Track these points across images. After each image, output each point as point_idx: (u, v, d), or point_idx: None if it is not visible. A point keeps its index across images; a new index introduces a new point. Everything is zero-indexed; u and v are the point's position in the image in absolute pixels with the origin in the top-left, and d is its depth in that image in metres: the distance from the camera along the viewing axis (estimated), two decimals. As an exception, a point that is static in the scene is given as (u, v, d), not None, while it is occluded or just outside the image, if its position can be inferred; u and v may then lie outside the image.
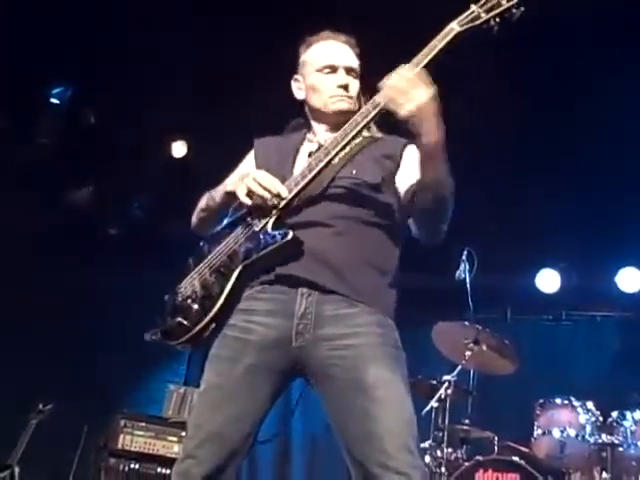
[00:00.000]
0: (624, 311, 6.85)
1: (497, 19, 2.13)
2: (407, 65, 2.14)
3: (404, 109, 2.06)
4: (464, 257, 5.15)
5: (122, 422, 5.05)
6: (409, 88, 2.07)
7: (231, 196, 2.33)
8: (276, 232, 2.24)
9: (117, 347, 6.13)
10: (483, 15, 2.13)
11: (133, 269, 6.59)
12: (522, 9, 2.12)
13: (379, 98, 2.17)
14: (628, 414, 4.62)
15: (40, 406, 4.94)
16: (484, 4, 2.14)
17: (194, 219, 2.57)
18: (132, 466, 4.96)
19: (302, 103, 2.56)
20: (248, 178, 2.26)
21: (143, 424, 5.11)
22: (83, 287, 6.33)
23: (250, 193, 2.24)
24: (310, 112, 2.54)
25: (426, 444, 4.73)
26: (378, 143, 2.45)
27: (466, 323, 4.92)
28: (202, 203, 2.51)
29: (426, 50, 2.16)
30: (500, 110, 5.31)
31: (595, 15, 4.67)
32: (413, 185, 2.28)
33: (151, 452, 5.03)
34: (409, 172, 2.34)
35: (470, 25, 2.14)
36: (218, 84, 5.60)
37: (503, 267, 6.44)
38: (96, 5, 5.15)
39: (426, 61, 2.14)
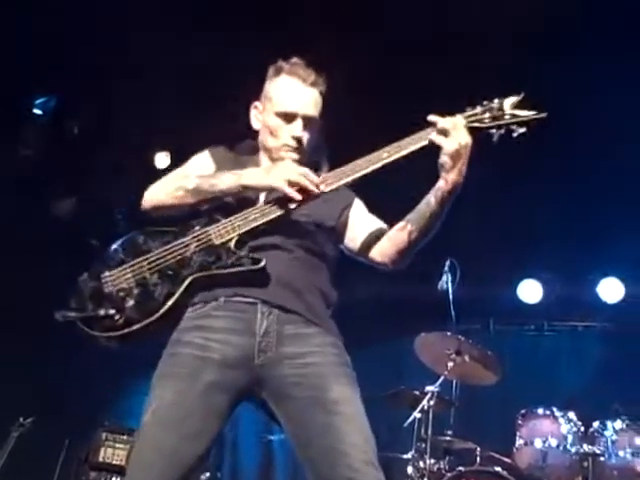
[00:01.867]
0: (606, 321, 6.89)
1: (500, 130, 2.20)
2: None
3: (454, 144, 2.14)
4: (446, 268, 5.17)
5: (103, 435, 5.04)
6: (461, 129, 2.16)
7: (247, 189, 2.28)
8: (242, 254, 2.23)
9: (98, 360, 6.09)
10: (487, 121, 2.20)
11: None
12: (524, 130, 2.19)
13: (428, 131, 2.21)
14: (609, 424, 4.65)
15: (21, 419, 4.92)
16: (488, 110, 2.20)
17: (160, 196, 2.39)
18: (113, 479, 4.95)
19: (256, 132, 2.54)
20: (290, 171, 2.24)
21: (124, 437, 5.09)
22: (65, 299, 6.29)
23: (292, 184, 2.22)
24: (261, 145, 2.51)
25: (409, 455, 4.73)
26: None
27: (448, 334, 4.93)
28: (189, 183, 2.33)
29: None
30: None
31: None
32: (375, 231, 2.42)
33: (133, 465, 5.00)
34: (363, 222, 2.48)
35: (474, 125, 2.20)
36: (201, 96, 5.60)
37: (485, 278, 6.47)
38: (80, 18, 5.15)
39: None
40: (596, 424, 4.71)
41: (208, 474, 5.15)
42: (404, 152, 2.23)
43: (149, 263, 2.30)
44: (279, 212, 2.26)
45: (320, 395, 2.14)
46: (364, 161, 2.26)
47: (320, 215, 2.39)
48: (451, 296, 5.11)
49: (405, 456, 4.72)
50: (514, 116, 2.18)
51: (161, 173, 6.73)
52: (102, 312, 2.26)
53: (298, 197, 2.21)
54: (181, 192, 2.33)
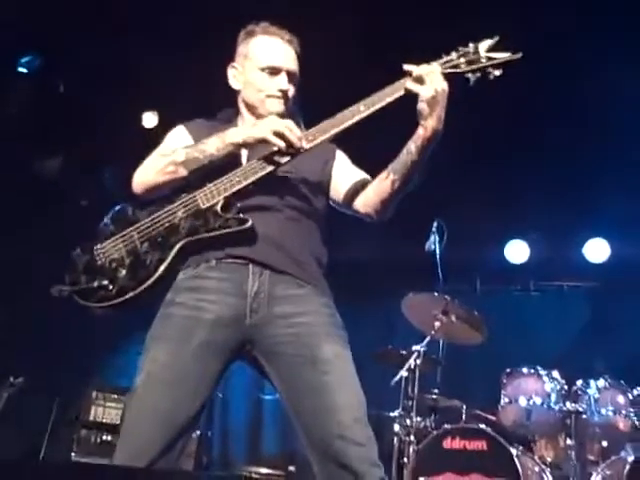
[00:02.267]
0: (591, 281, 6.95)
1: (476, 73, 2.21)
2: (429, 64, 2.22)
3: (430, 91, 2.16)
4: (434, 229, 5.19)
5: (94, 394, 5.08)
6: (436, 75, 2.18)
7: (236, 146, 2.30)
8: (229, 216, 2.25)
9: (88, 320, 6.10)
10: (463, 66, 2.21)
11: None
12: (501, 72, 2.20)
13: (404, 81, 2.23)
14: (592, 382, 4.73)
15: (11, 379, 4.94)
16: (463, 55, 2.22)
17: (150, 176, 2.36)
18: (104, 437, 5.00)
19: (236, 92, 2.55)
20: (273, 123, 2.26)
21: (115, 396, 5.14)
22: (53, 259, 6.28)
23: (279, 135, 2.24)
24: (244, 104, 2.53)
25: (396, 413, 4.80)
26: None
27: (435, 294, 4.97)
28: (177, 156, 2.32)
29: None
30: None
31: None
32: (359, 181, 2.44)
33: (123, 423, 5.06)
34: (346, 173, 2.49)
35: (451, 71, 2.22)
36: (189, 54, 5.55)
37: (472, 238, 6.50)
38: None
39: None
40: (579, 383, 4.79)
41: (198, 432, 5.20)
42: (381, 103, 2.26)
43: (139, 232, 2.33)
44: (262, 172, 2.28)
45: (311, 354, 2.17)
46: (342, 115, 2.28)
47: (304, 171, 2.42)
48: (438, 257, 5.14)
49: (392, 414, 4.79)
50: (489, 59, 2.20)
51: (149, 132, 6.72)
52: (96, 284, 2.30)
53: (282, 144, 2.22)
54: (172, 167, 2.32)
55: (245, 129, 2.33)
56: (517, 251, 7.13)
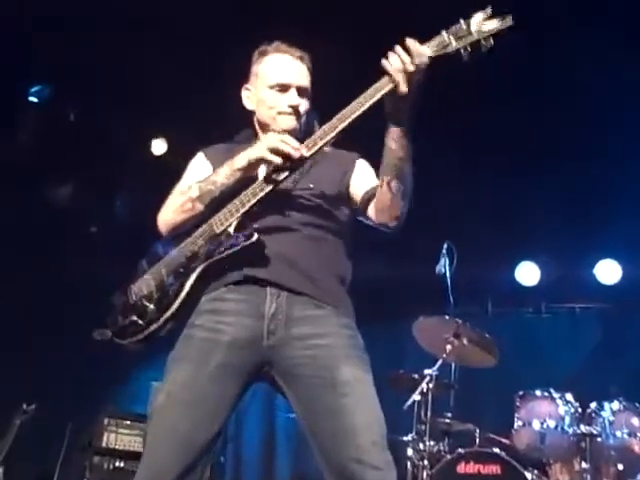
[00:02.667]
0: (603, 303, 6.91)
1: (467, 49, 2.14)
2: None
3: (406, 82, 2.12)
4: (444, 251, 5.18)
5: (106, 420, 5.07)
6: (409, 65, 2.13)
7: (243, 170, 2.30)
8: (239, 234, 2.26)
9: (101, 346, 6.11)
10: (453, 44, 2.14)
11: (114, 267, 6.56)
12: (491, 43, 2.12)
13: (384, 80, 2.18)
14: (606, 405, 4.69)
15: (24, 406, 4.94)
16: (453, 33, 2.15)
17: (170, 216, 2.42)
18: (117, 464, 4.99)
19: (251, 113, 2.57)
20: (268, 140, 2.26)
21: (128, 422, 5.13)
22: (65, 285, 6.32)
23: (275, 151, 2.22)
24: (258, 124, 2.55)
25: (409, 437, 4.76)
26: (329, 157, 2.49)
27: (447, 317, 4.95)
28: (192, 192, 2.36)
29: None
30: (482, 103, 5.36)
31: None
32: (369, 190, 2.39)
33: (136, 450, 5.04)
34: (363, 182, 2.45)
35: (442, 52, 2.15)
36: (197, 81, 5.60)
37: (483, 261, 6.48)
38: (77, 3, 5.14)
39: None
40: (593, 405, 4.76)
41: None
42: (377, 96, 2.21)
43: (166, 266, 2.37)
44: (270, 187, 2.26)
45: (330, 376, 2.16)
46: (340, 116, 2.24)
47: (323, 185, 2.40)
48: (449, 279, 5.13)
49: (405, 438, 4.76)
50: (480, 32, 2.12)
51: (158, 159, 6.75)
52: (127, 321, 2.36)
53: (278, 160, 2.21)
54: (189, 204, 2.37)
55: (246, 152, 2.32)
56: (528, 273, 7.10)
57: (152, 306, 2.33)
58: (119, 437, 5.05)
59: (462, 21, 2.14)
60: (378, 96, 2.19)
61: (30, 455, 5.24)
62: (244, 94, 2.58)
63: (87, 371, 6.09)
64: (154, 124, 6.43)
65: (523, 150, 5.83)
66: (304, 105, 2.48)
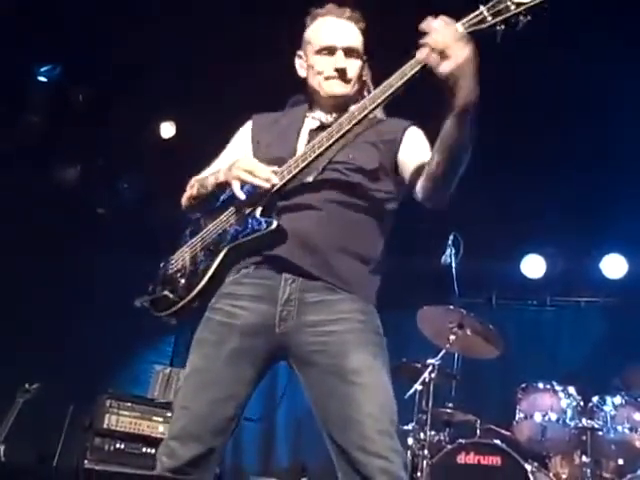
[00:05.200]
0: (608, 297, 6.90)
1: (503, 25, 2.02)
2: (442, 20, 2.03)
3: (449, 65, 1.97)
4: (450, 242, 5.18)
5: (108, 402, 5.08)
6: (452, 43, 1.98)
7: (222, 186, 2.32)
8: (262, 219, 2.23)
9: (103, 328, 6.14)
10: (489, 19, 2.01)
11: (120, 250, 6.58)
12: (529, 18, 2.01)
13: (419, 55, 2.05)
14: (608, 399, 4.69)
15: (26, 385, 4.96)
16: (492, 7, 2.02)
17: (185, 203, 2.52)
18: (118, 446, 5.00)
19: (304, 80, 2.52)
20: (237, 169, 2.24)
21: (129, 404, 5.14)
22: (68, 268, 6.33)
23: (243, 183, 2.23)
24: (310, 91, 2.50)
25: (409, 427, 4.77)
26: (378, 126, 2.41)
27: (451, 307, 4.95)
28: (192, 191, 2.46)
29: None
30: (484, 97, 5.32)
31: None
32: (419, 165, 2.27)
33: (137, 432, 5.07)
34: (414, 154, 2.34)
35: (475, 28, 2.02)
36: (206, 64, 5.58)
37: (489, 252, 6.48)
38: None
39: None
40: (595, 399, 4.75)
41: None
42: (391, 91, 2.14)
43: (202, 240, 2.38)
44: (292, 173, 2.24)
45: (340, 363, 2.15)
46: (369, 99, 2.19)
47: (361, 158, 2.32)
48: (454, 270, 5.13)
49: (406, 427, 4.76)
50: (518, 5, 1.98)
51: (166, 142, 6.73)
52: (161, 294, 2.38)
53: (242, 196, 2.23)
54: (190, 200, 2.48)
55: (223, 172, 2.32)
56: (533, 265, 7.09)
57: (183, 281, 2.35)
58: (120, 419, 5.06)
59: None
60: (409, 75, 2.10)
61: (31, 435, 5.26)
62: (297, 62, 2.54)
63: (89, 353, 6.11)
64: (163, 107, 6.41)
65: (530, 145, 5.80)
66: (353, 67, 2.41)
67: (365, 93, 2.43)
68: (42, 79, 6.18)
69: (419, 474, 4.52)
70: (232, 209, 2.33)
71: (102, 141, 6.42)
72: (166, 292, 2.36)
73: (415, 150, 2.35)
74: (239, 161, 2.29)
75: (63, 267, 6.30)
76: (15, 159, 6.11)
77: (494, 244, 6.48)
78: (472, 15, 2.04)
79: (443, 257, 5.17)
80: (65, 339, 6.12)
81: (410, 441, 4.70)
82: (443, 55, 1.97)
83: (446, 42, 1.97)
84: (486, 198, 6.17)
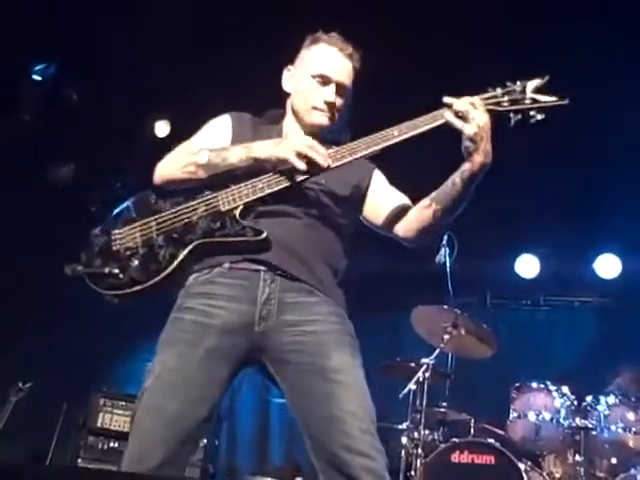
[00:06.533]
0: (602, 297, 6.93)
1: (519, 115, 2.15)
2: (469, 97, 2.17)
3: (473, 128, 2.12)
4: (444, 241, 5.17)
5: (101, 401, 5.08)
6: (478, 111, 2.14)
7: (258, 161, 2.26)
8: (246, 224, 2.23)
9: (96, 326, 6.12)
10: (505, 104, 2.16)
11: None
12: (543, 116, 2.12)
13: (443, 112, 2.18)
14: (602, 398, 4.69)
15: (19, 384, 4.94)
16: (507, 93, 2.15)
17: (171, 170, 2.37)
18: (111, 444, 5.00)
19: (286, 94, 2.54)
20: (295, 144, 2.22)
21: (122, 403, 5.13)
22: (61, 266, 6.30)
23: (301, 156, 2.20)
24: (291, 109, 2.52)
25: (404, 425, 4.78)
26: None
27: (445, 307, 4.95)
28: (200, 158, 2.31)
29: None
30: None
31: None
32: (400, 206, 2.40)
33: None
34: (385, 195, 2.47)
35: (491, 107, 2.16)
36: (200, 63, 5.57)
37: (483, 252, 6.48)
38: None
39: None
40: (589, 398, 4.75)
41: (205, 441, 5.19)
42: (416, 131, 2.22)
43: (157, 224, 2.29)
44: (286, 183, 2.25)
45: (320, 363, 2.16)
46: (375, 138, 2.24)
47: (335, 184, 2.38)
48: (448, 269, 5.13)
49: (400, 427, 4.77)
50: (534, 101, 2.13)
51: (161, 141, 6.74)
52: (107, 270, 2.27)
53: (303, 167, 2.19)
54: (192, 167, 2.32)
55: (269, 147, 2.26)
56: (528, 266, 7.11)
57: (136, 263, 2.25)
58: (114, 417, 5.06)
59: (518, 83, 2.15)
60: (425, 128, 2.21)
61: (24, 434, 5.25)
62: (285, 75, 2.55)
63: (83, 351, 6.09)
64: (158, 106, 6.40)
65: (524, 145, 5.79)
66: (340, 104, 2.45)
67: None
68: (36, 78, 6.16)
69: (413, 473, 4.53)
70: (200, 202, 2.28)
71: (96, 140, 6.40)
72: (113, 270, 2.25)
73: (385, 193, 2.49)
74: (293, 138, 2.30)
75: (55, 265, 6.27)
76: (8, 157, 6.08)
77: (488, 244, 6.48)
78: (491, 94, 2.18)
79: (437, 257, 5.16)
80: (58, 337, 6.10)
81: (404, 440, 4.71)
82: (465, 119, 2.13)
83: (471, 103, 2.14)
84: (480, 198, 6.15)
